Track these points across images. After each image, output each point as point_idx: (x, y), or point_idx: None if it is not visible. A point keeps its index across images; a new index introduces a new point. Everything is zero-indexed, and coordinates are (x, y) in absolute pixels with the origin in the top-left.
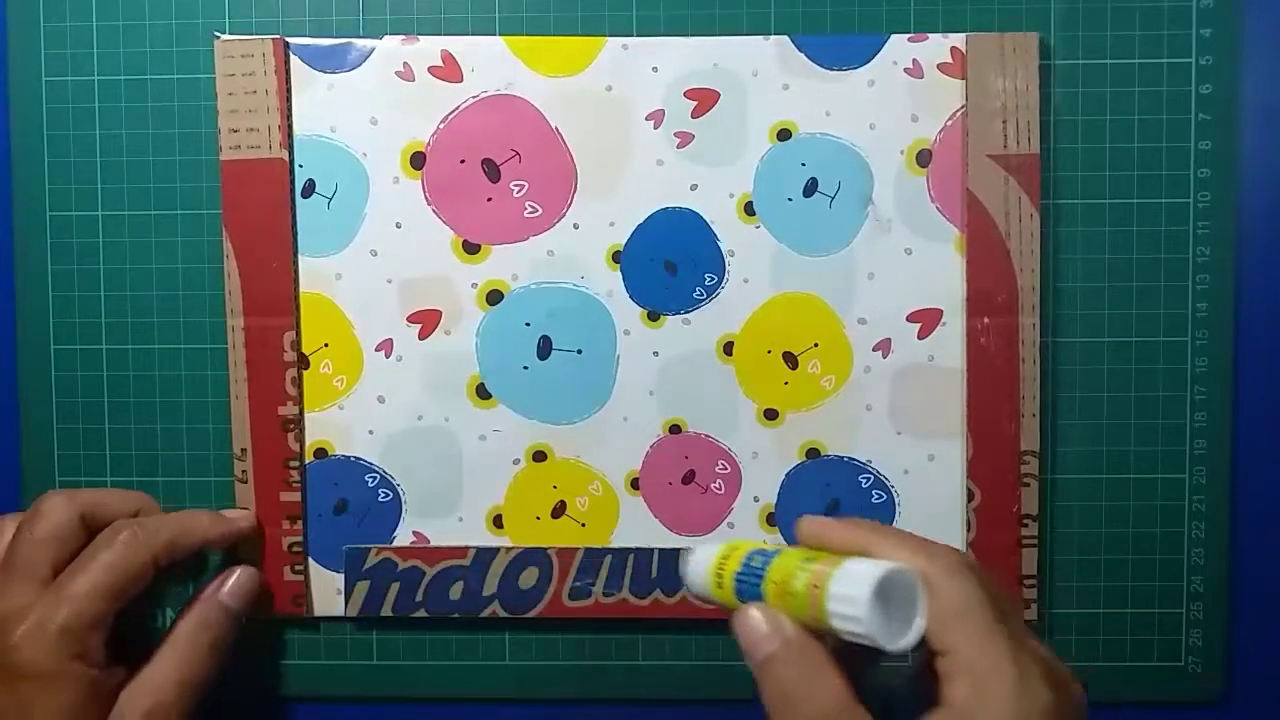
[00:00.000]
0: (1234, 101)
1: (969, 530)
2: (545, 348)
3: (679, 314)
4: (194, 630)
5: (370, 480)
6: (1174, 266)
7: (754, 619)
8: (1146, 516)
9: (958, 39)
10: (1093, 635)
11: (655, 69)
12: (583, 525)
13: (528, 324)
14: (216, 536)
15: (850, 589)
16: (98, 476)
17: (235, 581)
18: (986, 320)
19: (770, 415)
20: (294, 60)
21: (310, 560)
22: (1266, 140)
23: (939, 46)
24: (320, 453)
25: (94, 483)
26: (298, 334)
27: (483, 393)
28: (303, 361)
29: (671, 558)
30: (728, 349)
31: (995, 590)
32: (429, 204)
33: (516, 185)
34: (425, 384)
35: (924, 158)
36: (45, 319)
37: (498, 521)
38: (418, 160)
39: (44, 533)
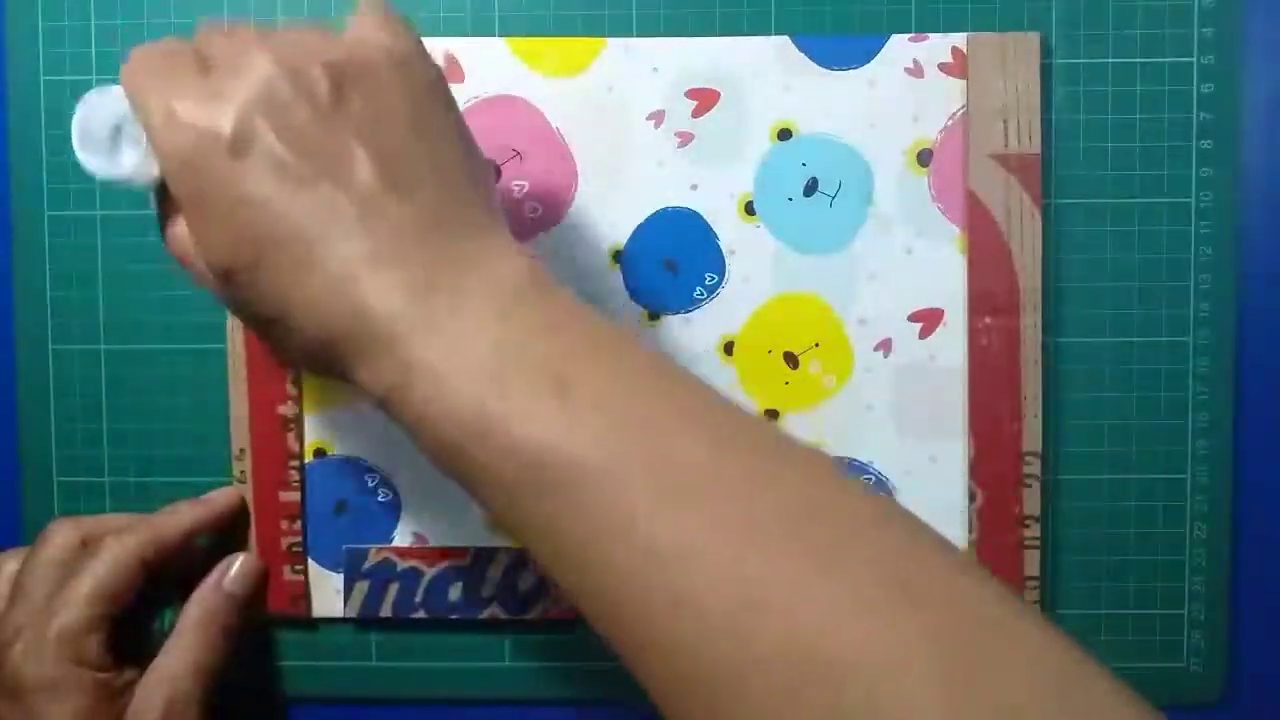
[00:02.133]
0: (1236, 101)
1: (970, 531)
2: None
3: (679, 313)
4: (201, 619)
5: (370, 480)
6: (1176, 266)
7: None
8: (1148, 517)
9: (958, 39)
10: (1094, 636)
11: (656, 69)
12: None
13: None
14: (199, 520)
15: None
16: (95, 476)
17: (237, 568)
18: (988, 320)
19: (771, 415)
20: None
21: (309, 560)
22: (1268, 140)
23: (940, 46)
24: (320, 453)
25: (92, 483)
26: None
27: None
28: None
29: None
30: (728, 349)
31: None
32: None
33: (517, 185)
34: None
35: (925, 157)
36: (44, 319)
37: None
38: None
39: (45, 557)
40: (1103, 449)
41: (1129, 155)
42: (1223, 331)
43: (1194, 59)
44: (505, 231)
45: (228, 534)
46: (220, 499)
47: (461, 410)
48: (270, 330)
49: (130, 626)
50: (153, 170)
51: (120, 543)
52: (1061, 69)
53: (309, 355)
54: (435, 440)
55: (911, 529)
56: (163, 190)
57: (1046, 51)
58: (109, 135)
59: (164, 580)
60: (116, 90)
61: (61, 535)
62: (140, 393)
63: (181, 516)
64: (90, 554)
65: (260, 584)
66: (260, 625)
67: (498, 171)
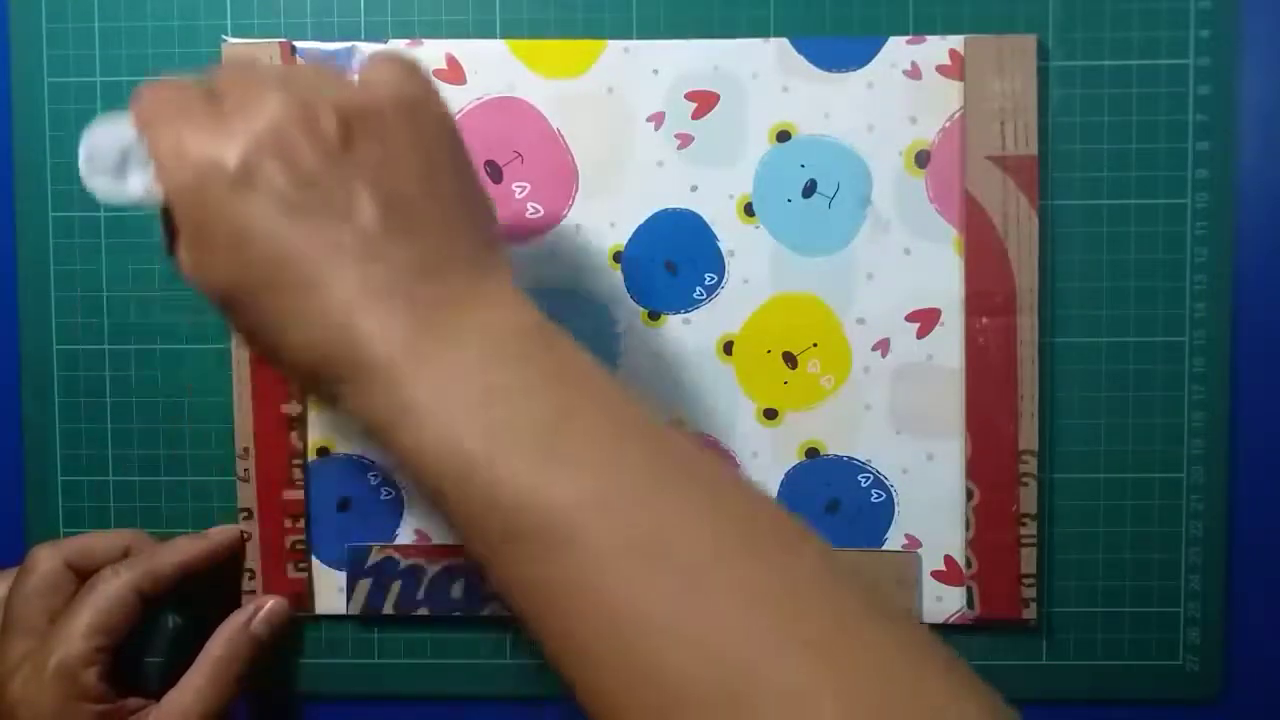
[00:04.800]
0: (1232, 103)
1: (968, 529)
2: None
3: (679, 314)
4: (222, 660)
5: (372, 478)
6: (1172, 267)
7: None
8: (1144, 516)
9: (956, 41)
10: (1090, 634)
11: (656, 71)
12: None
13: None
14: (198, 555)
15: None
16: (100, 476)
17: (266, 612)
18: (985, 320)
19: (770, 415)
20: (299, 63)
21: (313, 558)
22: (1264, 142)
23: (937, 48)
24: (323, 451)
25: (95, 482)
26: None
27: None
28: None
29: None
30: (728, 348)
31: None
32: None
33: (519, 186)
34: None
35: (922, 159)
36: (48, 319)
37: None
38: None
39: (33, 586)
40: (1099, 448)
41: (1125, 157)
42: (1218, 332)
43: (1190, 61)
44: (507, 277)
45: (224, 566)
46: (219, 535)
47: (445, 452)
48: (267, 355)
49: (127, 655)
50: (160, 194)
51: (118, 576)
52: (1058, 71)
53: (304, 382)
54: (420, 479)
55: (894, 621)
56: (169, 214)
57: (1043, 54)
58: (116, 160)
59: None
60: (124, 118)
61: (45, 561)
62: (143, 392)
63: (179, 551)
64: (89, 588)
65: (285, 628)
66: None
67: (499, 172)
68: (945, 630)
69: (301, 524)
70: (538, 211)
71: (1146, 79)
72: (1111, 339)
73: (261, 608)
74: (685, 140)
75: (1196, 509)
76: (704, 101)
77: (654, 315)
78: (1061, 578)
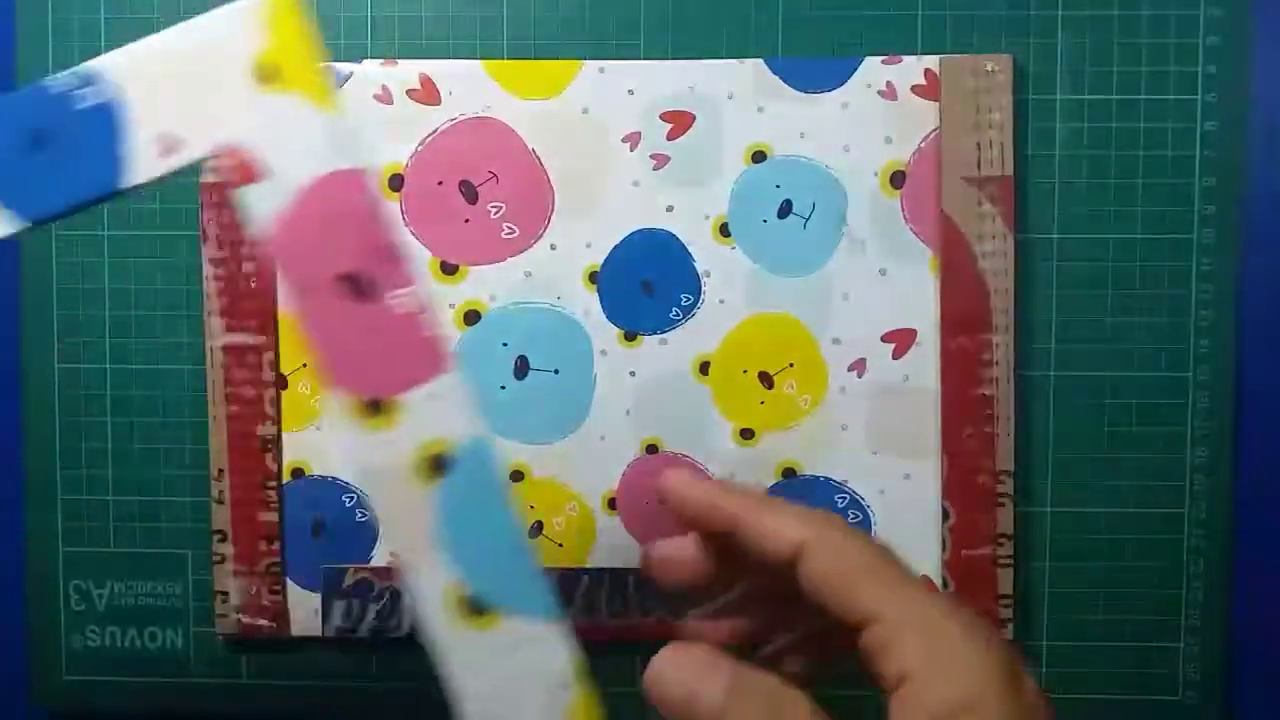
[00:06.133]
0: (1240, 111)
1: (944, 549)
2: (522, 368)
3: (655, 334)
4: None
5: (347, 500)
6: (1176, 272)
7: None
8: (1144, 550)
9: (931, 61)
10: (1089, 668)
11: (631, 91)
12: (560, 545)
13: (505, 344)
14: None
15: None
16: (100, 495)
17: None
18: (960, 340)
19: (746, 435)
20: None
21: (287, 580)
22: (1272, 149)
23: (913, 69)
24: (298, 473)
25: (94, 501)
26: (276, 354)
27: None
28: (281, 382)
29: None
30: (704, 369)
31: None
32: (407, 225)
33: (494, 207)
34: None
35: (898, 179)
36: (50, 337)
37: None
38: (396, 182)
39: None
40: (1100, 482)
41: (1132, 164)
42: (1222, 368)
43: (1199, 69)
44: None
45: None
46: None
47: None
48: None
49: None
50: None
51: None
52: (1067, 77)
53: None
54: None
55: None
56: None
57: (1049, 57)
58: None
59: None
60: None
61: None
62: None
63: None
64: None
65: None
66: (233, 649)
67: (475, 192)
68: None
69: (276, 546)
70: (513, 232)
71: (1154, 86)
72: (1118, 373)
73: None
74: (661, 160)
75: (1197, 545)
76: (679, 122)
77: (630, 336)
78: (1058, 611)
